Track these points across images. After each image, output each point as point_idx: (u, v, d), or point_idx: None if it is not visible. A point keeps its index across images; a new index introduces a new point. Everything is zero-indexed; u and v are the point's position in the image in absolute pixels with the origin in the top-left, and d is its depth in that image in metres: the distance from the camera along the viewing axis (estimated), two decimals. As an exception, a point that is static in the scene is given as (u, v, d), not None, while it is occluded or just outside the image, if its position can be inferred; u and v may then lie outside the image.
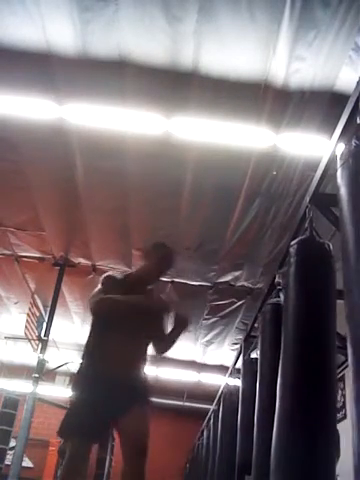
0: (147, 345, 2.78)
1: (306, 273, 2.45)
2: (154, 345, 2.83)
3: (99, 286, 2.71)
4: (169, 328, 2.85)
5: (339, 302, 2.35)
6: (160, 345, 2.85)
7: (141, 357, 2.72)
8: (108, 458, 9.11)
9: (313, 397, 2.12)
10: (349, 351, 1.73)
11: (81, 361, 2.69)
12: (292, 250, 2.54)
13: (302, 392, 2.16)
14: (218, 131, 4.38)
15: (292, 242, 2.61)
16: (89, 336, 2.72)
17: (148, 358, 2.74)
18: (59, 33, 3.70)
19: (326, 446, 2.05)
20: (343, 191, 1.91)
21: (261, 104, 4.09)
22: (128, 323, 2.60)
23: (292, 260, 2.51)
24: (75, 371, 2.72)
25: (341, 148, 2.18)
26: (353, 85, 2.26)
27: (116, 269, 6.27)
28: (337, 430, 2.20)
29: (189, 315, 3.08)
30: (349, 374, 1.71)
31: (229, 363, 7.58)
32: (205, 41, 3.63)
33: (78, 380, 2.71)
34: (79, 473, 2.52)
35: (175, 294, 6.94)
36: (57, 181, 5.36)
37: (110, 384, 2.50)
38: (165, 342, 2.84)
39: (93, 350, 2.64)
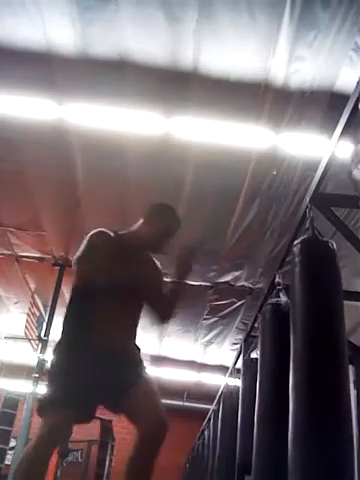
0: (140, 310, 2.43)
1: (312, 273, 2.44)
2: (153, 310, 2.48)
3: (85, 243, 2.30)
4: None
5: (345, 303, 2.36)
6: (160, 309, 2.49)
7: (134, 325, 2.39)
8: (108, 458, 9.10)
9: (327, 397, 2.10)
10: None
11: (61, 333, 2.34)
12: (296, 250, 2.52)
13: (316, 392, 2.15)
14: (218, 131, 4.38)
15: (295, 242, 2.59)
16: (71, 304, 2.40)
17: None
18: (59, 33, 3.70)
19: (344, 446, 2.03)
20: None
21: (261, 104, 4.09)
22: (118, 288, 2.24)
23: (297, 260, 2.48)
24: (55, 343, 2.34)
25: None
26: (353, 85, 2.26)
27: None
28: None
29: (192, 255, 2.48)
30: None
31: (229, 363, 7.57)
32: (205, 41, 3.63)
33: (60, 351, 2.30)
34: (45, 462, 2.11)
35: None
36: (57, 181, 5.36)
37: (101, 358, 2.17)
38: (166, 303, 2.50)
39: (77, 319, 2.30)
